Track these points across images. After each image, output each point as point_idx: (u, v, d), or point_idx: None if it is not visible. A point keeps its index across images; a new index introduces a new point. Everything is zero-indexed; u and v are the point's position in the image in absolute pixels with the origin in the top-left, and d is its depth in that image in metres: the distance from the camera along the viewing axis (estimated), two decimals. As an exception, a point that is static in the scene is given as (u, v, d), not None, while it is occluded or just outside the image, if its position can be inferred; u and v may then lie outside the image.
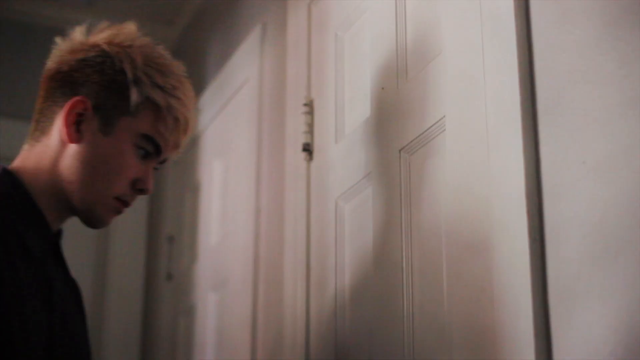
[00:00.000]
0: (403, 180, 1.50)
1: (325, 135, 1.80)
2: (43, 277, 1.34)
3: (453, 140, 1.35)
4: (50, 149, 1.40)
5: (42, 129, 1.42)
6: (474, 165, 1.28)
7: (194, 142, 3.07)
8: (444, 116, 1.39)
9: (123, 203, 1.43)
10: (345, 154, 1.71)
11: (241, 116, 2.55)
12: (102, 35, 1.44)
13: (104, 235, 3.30)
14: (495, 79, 1.26)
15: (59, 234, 1.46)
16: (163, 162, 1.46)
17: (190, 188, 3.06)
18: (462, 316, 1.26)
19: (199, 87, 3.05)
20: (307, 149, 1.88)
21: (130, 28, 1.45)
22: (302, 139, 1.89)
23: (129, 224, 3.31)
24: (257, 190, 2.25)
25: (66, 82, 1.42)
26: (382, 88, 1.59)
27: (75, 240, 3.29)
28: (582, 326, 1.05)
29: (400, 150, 1.51)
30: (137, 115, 1.39)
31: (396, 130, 1.53)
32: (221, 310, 2.51)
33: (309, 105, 1.91)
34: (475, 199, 1.27)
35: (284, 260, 1.94)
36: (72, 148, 1.38)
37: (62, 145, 1.39)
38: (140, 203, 3.36)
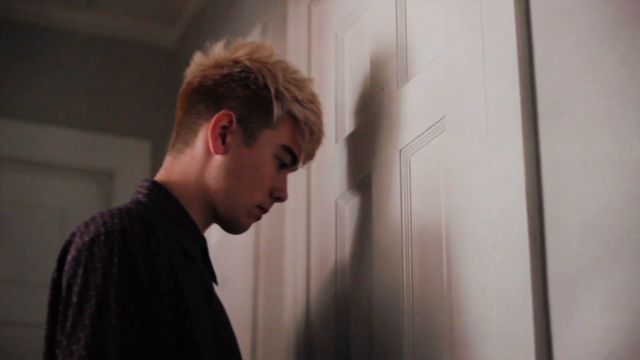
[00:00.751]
0: (403, 180, 1.50)
1: (325, 135, 1.80)
2: (202, 282, 1.43)
3: (453, 140, 1.35)
4: (195, 160, 1.48)
5: (184, 141, 1.50)
6: (474, 165, 1.28)
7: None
8: (444, 116, 1.39)
9: (262, 210, 1.51)
10: (345, 154, 1.72)
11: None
12: (242, 51, 1.52)
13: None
14: (495, 79, 1.26)
15: (204, 238, 1.54)
16: (293, 170, 1.57)
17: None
18: (462, 316, 1.26)
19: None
20: (307, 149, 1.88)
21: (266, 45, 1.56)
22: (302, 139, 1.89)
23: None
24: (257, 190, 2.25)
25: (210, 96, 1.50)
26: (382, 88, 1.59)
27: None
28: (582, 326, 1.05)
29: (400, 150, 1.51)
30: (277, 127, 1.49)
31: (396, 130, 1.53)
32: (221, 310, 2.51)
33: (309, 105, 1.91)
34: (475, 199, 1.27)
35: (284, 260, 1.94)
36: (218, 159, 1.47)
37: (208, 156, 1.47)
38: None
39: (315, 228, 1.74)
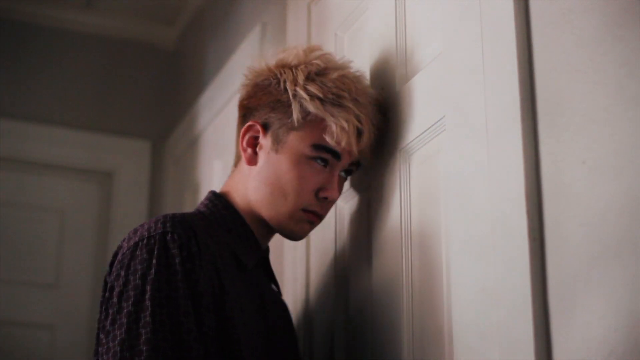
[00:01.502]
0: (403, 180, 1.50)
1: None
2: (256, 289, 1.46)
3: (453, 140, 1.35)
4: (242, 173, 1.52)
5: (237, 155, 1.56)
6: (474, 165, 1.28)
7: (194, 143, 3.07)
8: (444, 116, 1.39)
9: (312, 214, 1.49)
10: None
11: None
12: (274, 58, 1.53)
13: (103, 238, 3.30)
14: (495, 79, 1.26)
15: (267, 250, 1.57)
16: (349, 171, 1.53)
17: (190, 188, 3.06)
18: (462, 316, 1.26)
19: (199, 87, 3.05)
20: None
21: (298, 48, 1.54)
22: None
23: (127, 226, 3.32)
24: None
25: (244, 108, 1.54)
26: (382, 88, 1.59)
27: (76, 241, 3.30)
28: (582, 326, 1.05)
29: (400, 150, 1.51)
30: (304, 128, 1.46)
31: (396, 130, 1.53)
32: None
33: (309, 105, 1.90)
34: (475, 198, 1.27)
35: (284, 260, 1.94)
36: (254, 170, 1.49)
37: (248, 169, 1.51)
38: (139, 204, 3.36)
39: (315, 228, 1.74)
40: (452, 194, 1.34)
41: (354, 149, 1.46)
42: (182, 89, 3.31)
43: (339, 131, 1.44)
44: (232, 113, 2.66)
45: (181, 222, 1.35)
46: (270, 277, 1.58)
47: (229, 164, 2.65)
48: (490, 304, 1.20)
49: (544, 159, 1.16)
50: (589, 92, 1.09)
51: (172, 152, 3.31)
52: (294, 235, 1.51)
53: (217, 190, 1.54)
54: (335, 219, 1.72)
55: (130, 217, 3.32)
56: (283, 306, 1.59)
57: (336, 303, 1.67)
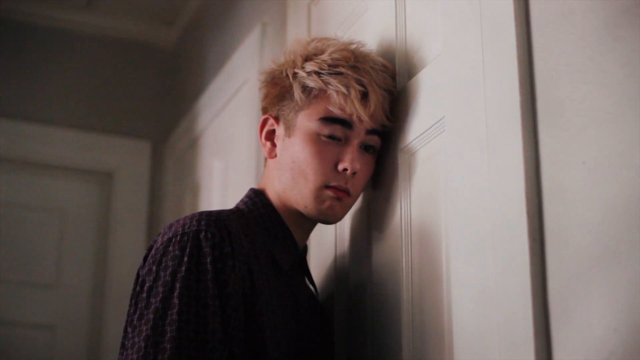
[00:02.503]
0: (403, 179, 1.50)
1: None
2: (290, 291, 1.45)
3: (453, 140, 1.35)
4: (269, 168, 1.54)
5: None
6: (474, 165, 1.28)
7: (194, 143, 3.07)
8: (444, 116, 1.39)
9: (336, 189, 1.46)
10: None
11: (241, 116, 2.55)
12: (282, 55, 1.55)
13: (103, 236, 3.30)
14: (495, 79, 1.25)
15: (304, 249, 1.57)
16: (370, 147, 1.50)
17: (190, 188, 3.07)
18: (462, 316, 1.26)
19: (199, 87, 3.05)
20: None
21: (302, 38, 1.56)
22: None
23: (127, 226, 3.32)
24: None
25: (263, 109, 1.56)
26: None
27: (76, 241, 3.30)
28: (582, 326, 1.05)
29: (400, 150, 1.51)
30: (309, 106, 1.47)
31: (396, 130, 1.53)
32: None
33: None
34: (475, 199, 1.27)
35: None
36: (275, 162, 1.51)
37: (272, 162, 1.52)
38: (139, 204, 3.36)
39: (316, 228, 1.73)
40: (452, 194, 1.33)
41: (362, 113, 1.44)
42: (182, 89, 3.32)
43: (340, 97, 1.44)
44: (232, 113, 2.67)
45: (216, 221, 1.35)
46: (308, 277, 1.58)
47: (229, 164, 2.65)
48: (491, 305, 1.20)
49: (544, 160, 1.16)
50: (589, 92, 1.09)
51: (172, 153, 3.31)
52: (325, 216, 1.48)
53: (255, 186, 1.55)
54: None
55: (131, 217, 3.32)
56: (319, 309, 1.58)
57: (336, 304, 1.67)
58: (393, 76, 1.54)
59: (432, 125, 1.42)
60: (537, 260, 1.13)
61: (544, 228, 1.14)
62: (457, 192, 1.32)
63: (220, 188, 2.72)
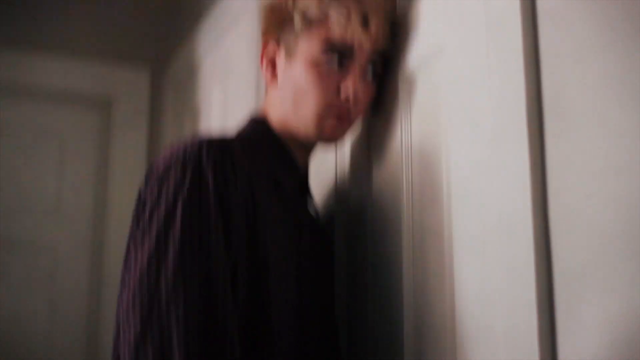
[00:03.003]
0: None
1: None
2: (293, 214, 1.46)
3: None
4: (270, 95, 1.54)
5: (266, 82, 1.57)
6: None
7: (194, 69, 3.06)
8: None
9: (338, 113, 1.47)
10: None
11: (241, 43, 2.54)
12: None
13: (103, 163, 3.32)
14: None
15: (306, 171, 1.58)
16: (376, 73, 1.51)
17: (190, 115, 3.07)
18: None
19: (199, 11, 3.03)
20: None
21: None
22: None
23: (127, 154, 3.33)
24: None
25: (262, 36, 1.55)
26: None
27: (75, 167, 3.31)
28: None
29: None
30: (310, 31, 1.47)
31: (397, 56, 1.53)
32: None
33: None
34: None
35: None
36: (276, 87, 1.52)
37: (273, 88, 1.53)
38: (138, 131, 3.37)
39: (316, 152, 1.75)
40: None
41: (363, 38, 1.45)
42: (183, 13, 3.29)
43: (341, 23, 1.44)
44: (233, 39, 2.66)
45: (218, 142, 1.36)
46: (310, 199, 1.58)
47: (229, 90, 2.65)
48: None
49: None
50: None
51: (171, 79, 3.30)
52: (326, 139, 1.49)
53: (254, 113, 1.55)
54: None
55: (130, 144, 3.34)
56: (322, 234, 1.59)
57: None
58: (394, 0, 1.53)
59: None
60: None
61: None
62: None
63: (221, 114, 2.72)
